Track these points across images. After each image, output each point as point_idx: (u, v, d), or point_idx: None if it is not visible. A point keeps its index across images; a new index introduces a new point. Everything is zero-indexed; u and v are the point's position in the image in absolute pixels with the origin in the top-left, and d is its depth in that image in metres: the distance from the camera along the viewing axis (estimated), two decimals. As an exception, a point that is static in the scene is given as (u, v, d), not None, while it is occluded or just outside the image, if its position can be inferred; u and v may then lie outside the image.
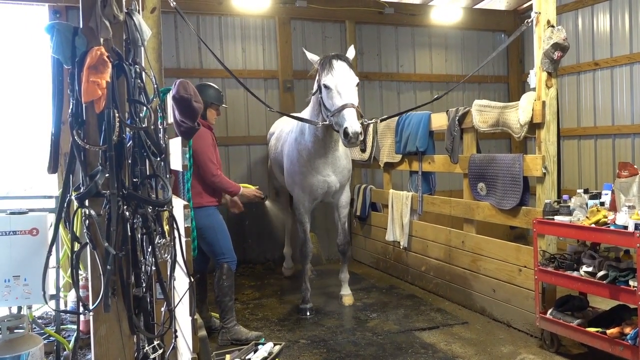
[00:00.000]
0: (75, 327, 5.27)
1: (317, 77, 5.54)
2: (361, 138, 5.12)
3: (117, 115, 2.48)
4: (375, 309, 6.12)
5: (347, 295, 6.39)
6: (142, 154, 2.66)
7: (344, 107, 5.13)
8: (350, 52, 5.71)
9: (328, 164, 5.97)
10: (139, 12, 2.82)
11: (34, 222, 3.97)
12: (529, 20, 5.12)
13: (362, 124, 5.25)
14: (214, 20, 8.27)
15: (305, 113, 5.97)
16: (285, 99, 8.52)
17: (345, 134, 5.05)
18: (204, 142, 5.11)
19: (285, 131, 6.59)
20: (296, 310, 6.14)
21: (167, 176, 2.86)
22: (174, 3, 4.62)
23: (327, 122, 5.42)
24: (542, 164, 4.95)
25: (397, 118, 7.15)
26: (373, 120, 6.39)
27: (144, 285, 2.63)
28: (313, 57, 5.63)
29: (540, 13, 4.98)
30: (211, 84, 5.63)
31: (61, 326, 4.95)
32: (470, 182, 5.83)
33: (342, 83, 5.24)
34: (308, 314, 6.02)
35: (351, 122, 5.04)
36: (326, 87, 5.31)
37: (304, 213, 6.21)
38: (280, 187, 7.49)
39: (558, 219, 4.54)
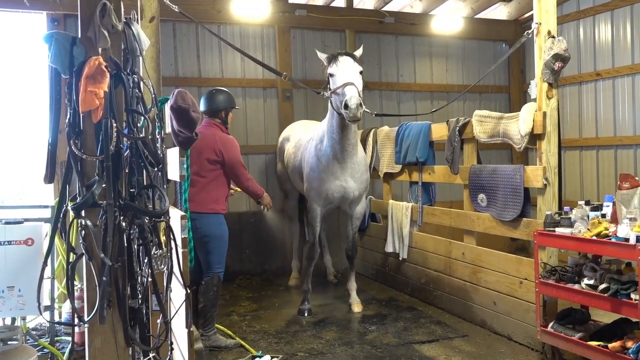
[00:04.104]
0: (70, 338, 5.22)
1: (325, 71, 5.83)
2: (361, 110, 5.35)
3: (114, 125, 2.47)
4: (375, 321, 6.06)
5: (355, 302, 6.44)
6: (140, 164, 2.65)
7: (345, 84, 5.45)
8: (358, 51, 5.97)
9: (346, 169, 6.07)
10: (137, 22, 2.83)
11: (29, 232, 3.95)
12: (529, 31, 5.11)
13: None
14: (212, 29, 8.24)
15: (325, 120, 6.13)
16: (284, 108, 8.50)
17: (346, 105, 5.31)
18: (236, 149, 5.39)
19: (305, 139, 6.72)
20: (296, 311, 6.36)
21: (165, 186, 2.84)
22: (177, 8, 4.62)
23: (328, 95, 5.73)
24: (543, 175, 4.92)
25: (396, 128, 7.17)
26: (369, 111, 6.68)
27: (140, 296, 2.60)
28: (322, 55, 5.90)
29: (540, 24, 4.97)
30: (222, 88, 5.73)
31: (55, 338, 4.92)
32: (470, 193, 5.80)
33: (344, 68, 5.59)
34: (306, 314, 6.28)
35: (351, 94, 5.33)
36: (331, 75, 5.67)
37: (316, 217, 6.34)
38: (291, 191, 7.57)
39: (559, 230, 4.50)
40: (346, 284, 6.65)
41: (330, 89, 5.69)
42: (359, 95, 5.37)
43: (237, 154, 5.38)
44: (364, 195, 6.51)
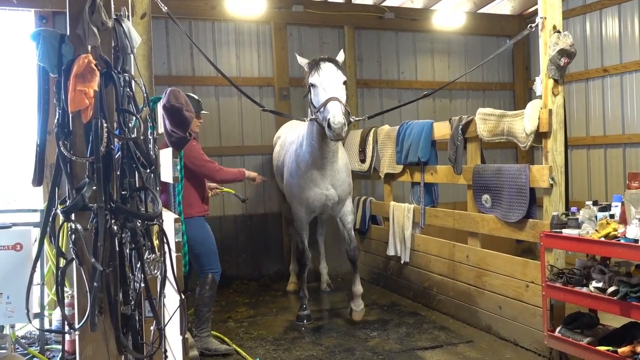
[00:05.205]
0: (60, 347, 5.15)
1: (306, 79, 5.64)
2: (345, 129, 5.13)
3: (105, 125, 2.45)
4: (376, 327, 5.96)
5: (357, 310, 6.14)
6: (131, 165, 2.62)
7: (328, 100, 5.22)
8: (340, 56, 5.77)
9: (327, 177, 5.92)
10: (128, 18, 2.83)
11: (17, 237, 3.92)
12: (533, 24, 5.03)
13: (350, 120, 5.41)
14: (207, 26, 8.15)
15: (306, 124, 5.90)
16: (281, 107, 8.36)
17: (329, 125, 5.08)
18: (194, 149, 5.23)
19: (288, 141, 6.59)
20: (294, 317, 6.26)
21: (157, 188, 2.78)
22: (166, 8, 4.57)
23: (314, 117, 5.47)
24: (549, 174, 4.83)
25: (397, 127, 7.07)
26: (359, 118, 6.56)
27: (132, 302, 2.57)
28: (303, 61, 5.73)
29: (545, 18, 4.87)
30: (189, 93, 5.58)
31: (46, 346, 4.91)
32: (474, 193, 5.71)
33: (327, 80, 5.37)
34: (305, 320, 6.16)
35: (334, 113, 5.08)
36: (313, 85, 5.45)
37: (302, 224, 6.21)
38: None
39: (566, 232, 4.44)
40: (351, 287, 6.32)
41: (311, 100, 5.50)
42: (343, 112, 5.15)
43: (196, 152, 5.24)
44: (348, 198, 6.29)
